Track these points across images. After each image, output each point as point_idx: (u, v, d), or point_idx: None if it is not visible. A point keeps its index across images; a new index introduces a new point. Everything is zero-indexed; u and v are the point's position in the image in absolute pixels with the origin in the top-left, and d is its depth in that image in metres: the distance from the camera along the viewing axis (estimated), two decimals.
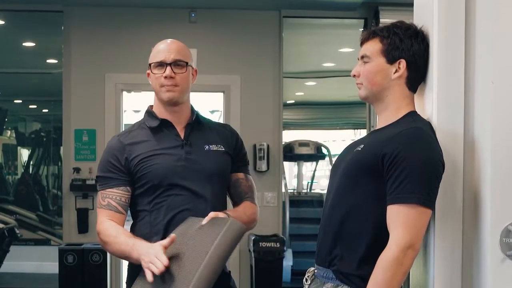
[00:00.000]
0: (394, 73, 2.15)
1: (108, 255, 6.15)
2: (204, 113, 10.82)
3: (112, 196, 2.54)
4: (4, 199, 7.42)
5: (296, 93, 7.59)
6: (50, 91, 7.07)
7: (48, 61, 7.21)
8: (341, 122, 8.39)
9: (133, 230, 2.59)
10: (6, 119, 7.69)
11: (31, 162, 7.65)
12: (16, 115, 7.91)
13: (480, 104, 2.08)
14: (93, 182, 6.31)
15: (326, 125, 8.67)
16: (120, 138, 2.61)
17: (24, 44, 7.12)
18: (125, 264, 6.93)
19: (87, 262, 6.06)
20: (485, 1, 2.07)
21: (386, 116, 2.19)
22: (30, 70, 7.38)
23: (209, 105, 10.30)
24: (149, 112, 2.65)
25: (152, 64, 2.58)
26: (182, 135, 2.60)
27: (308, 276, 2.25)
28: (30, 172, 7.63)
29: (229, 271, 2.67)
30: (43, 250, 7.17)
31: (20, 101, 7.99)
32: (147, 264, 2.24)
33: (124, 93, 6.62)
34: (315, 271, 2.22)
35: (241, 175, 2.71)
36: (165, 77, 2.54)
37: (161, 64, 2.56)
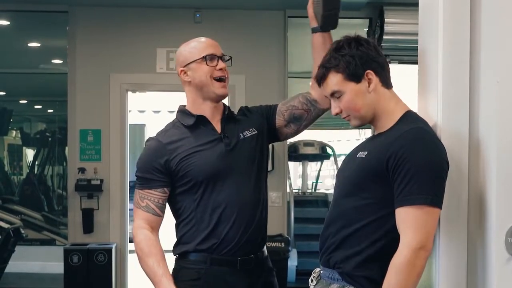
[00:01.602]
0: (369, 86, 2.13)
1: (113, 255, 6.16)
2: None
3: (151, 198, 2.55)
4: (9, 199, 7.44)
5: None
6: (55, 91, 7.10)
7: (53, 61, 7.23)
8: (346, 122, 8.38)
9: (178, 228, 2.63)
10: (12, 120, 7.71)
11: (36, 162, 7.68)
12: (21, 116, 7.94)
13: (486, 104, 2.08)
14: (98, 182, 6.33)
15: (331, 125, 8.66)
16: (159, 138, 2.61)
17: (29, 44, 7.13)
18: (130, 264, 6.89)
19: (92, 262, 6.07)
20: (490, 1, 2.06)
21: (382, 123, 2.17)
22: (35, 71, 7.40)
23: None
24: (183, 111, 2.65)
25: (206, 57, 2.57)
26: (217, 128, 2.61)
27: (313, 277, 2.25)
28: (35, 172, 7.66)
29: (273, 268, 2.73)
30: (48, 250, 7.19)
31: (25, 102, 8.01)
32: None
33: (129, 93, 6.63)
34: (321, 272, 2.22)
35: (279, 105, 2.75)
36: (220, 69, 2.57)
37: (213, 58, 2.58)
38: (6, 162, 7.80)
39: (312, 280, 2.25)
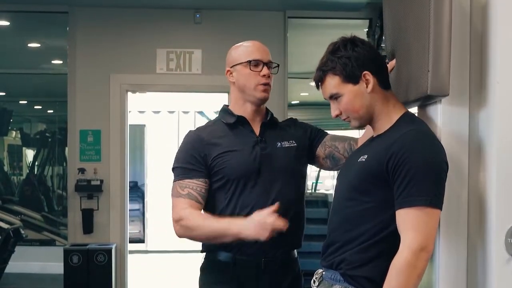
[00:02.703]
0: (367, 87, 2.13)
1: (113, 255, 6.16)
2: (209, 113, 10.85)
3: (192, 187, 2.57)
4: (9, 199, 7.44)
5: (301, 94, 7.59)
6: (55, 91, 7.09)
7: (53, 62, 7.24)
8: (346, 123, 8.40)
9: None
10: (12, 120, 7.71)
11: (36, 163, 7.67)
12: (21, 116, 7.94)
13: (485, 104, 2.08)
14: (98, 182, 6.33)
15: (330, 126, 8.63)
16: (198, 132, 2.67)
17: (29, 45, 7.14)
18: (130, 265, 6.91)
19: (92, 263, 6.07)
20: (490, 2, 2.06)
21: (380, 124, 2.18)
22: (35, 71, 7.40)
23: (214, 105, 10.30)
24: (226, 110, 2.71)
25: (251, 62, 2.62)
26: (257, 132, 2.65)
27: (316, 278, 2.26)
28: (35, 172, 7.65)
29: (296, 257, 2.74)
30: (48, 250, 7.19)
31: (25, 102, 8.01)
32: (258, 230, 2.33)
33: (129, 93, 6.63)
34: (323, 273, 2.23)
35: (327, 136, 2.74)
36: (263, 75, 2.61)
37: (258, 63, 2.62)
38: (6, 162, 7.80)
39: (314, 281, 2.26)
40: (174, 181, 2.62)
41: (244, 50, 2.68)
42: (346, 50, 2.13)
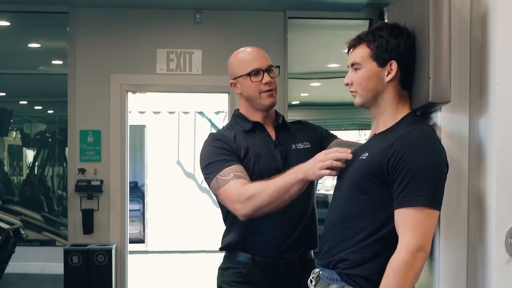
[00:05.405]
0: (387, 75, 2.14)
1: (113, 255, 6.16)
2: (209, 114, 10.85)
3: (236, 169, 2.49)
4: (9, 199, 7.43)
5: (301, 94, 7.58)
6: (55, 92, 7.08)
7: (53, 62, 7.23)
8: (346, 123, 8.38)
9: (228, 223, 2.66)
10: (12, 120, 7.70)
11: (36, 163, 7.66)
12: (22, 116, 7.92)
13: (486, 107, 2.08)
14: (98, 183, 6.33)
15: (331, 126, 8.62)
16: (222, 134, 2.67)
17: (29, 45, 7.13)
18: (130, 264, 6.92)
19: (92, 263, 6.08)
20: (490, 2, 2.07)
21: (384, 120, 2.18)
22: (35, 71, 7.39)
23: (214, 106, 10.30)
24: (239, 115, 2.72)
25: (251, 73, 2.61)
26: (272, 136, 2.68)
27: (312, 277, 2.26)
28: (35, 173, 7.65)
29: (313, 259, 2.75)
30: (48, 250, 7.18)
31: (26, 102, 8.00)
32: (327, 162, 2.21)
33: (129, 94, 6.63)
34: (320, 272, 2.23)
35: (333, 141, 2.73)
36: (265, 83, 2.61)
37: (258, 72, 2.62)
38: (6, 162, 7.79)
39: (311, 281, 2.26)
40: (212, 177, 2.51)
41: (243, 60, 2.67)
42: (390, 34, 2.15)
